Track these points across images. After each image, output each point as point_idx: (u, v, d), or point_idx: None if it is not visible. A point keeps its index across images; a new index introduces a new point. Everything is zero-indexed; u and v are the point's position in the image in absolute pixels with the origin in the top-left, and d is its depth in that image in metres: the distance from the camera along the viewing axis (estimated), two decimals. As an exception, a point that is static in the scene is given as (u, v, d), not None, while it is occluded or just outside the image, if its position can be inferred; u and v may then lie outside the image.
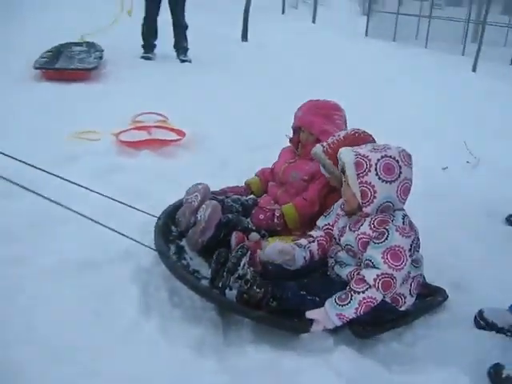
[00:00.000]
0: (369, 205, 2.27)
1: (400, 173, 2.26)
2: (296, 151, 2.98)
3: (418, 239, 2.36)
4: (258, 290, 2.24)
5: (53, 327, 2.18)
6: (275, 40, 9.66)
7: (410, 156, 2.34)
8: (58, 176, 2.65)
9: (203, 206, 2.62)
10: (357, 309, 2.20)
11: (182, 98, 5.62)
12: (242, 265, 2.30)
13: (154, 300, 2.46)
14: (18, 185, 2.41)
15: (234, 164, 4.08)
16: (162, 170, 3.92)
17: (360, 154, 2.27)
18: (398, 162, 2.26)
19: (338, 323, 2.23)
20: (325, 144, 2.61)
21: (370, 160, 2.25)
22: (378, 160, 2.24)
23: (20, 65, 6.12)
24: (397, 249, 2.21)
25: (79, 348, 2.09)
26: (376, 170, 2.24)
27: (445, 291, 2.65)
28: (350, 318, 2.21)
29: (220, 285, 2.29)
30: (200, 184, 2.78)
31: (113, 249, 2.66)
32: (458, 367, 2.18)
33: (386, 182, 2.25)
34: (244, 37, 8.86)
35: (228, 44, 8.36)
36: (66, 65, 6.41)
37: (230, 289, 2.29)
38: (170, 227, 2.74)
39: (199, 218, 2.58)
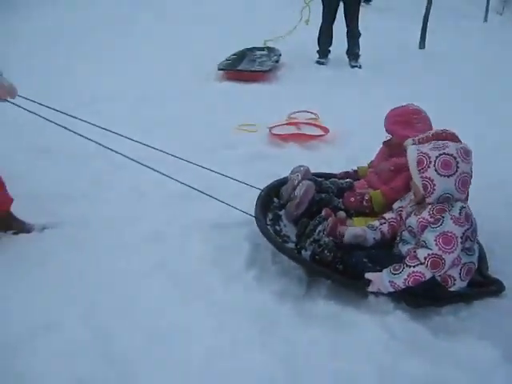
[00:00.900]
0: (429, 196, 2.66)
1: (457, 168, 2.61)
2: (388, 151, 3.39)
3: (474, 230, 2.71)
4: (328, 254, 2.77)
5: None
6: (463, 51, 8.78)
7: (468, 152, 2.66)
8: (198, 165, 3.43)
9: (300, 184, 3.17)
10: (405, 279, 2.60)
11: (340, 100, 6.12)
12: (317, 231, 2.84)
13: (259, 256, 3.11)
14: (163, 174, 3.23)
15: (364, 158, 4.51)
16: (301, 160, 4.49)
17: (422, 152, 2.66)
18: (455, 158, 2.61)
19: (390, 289, 2.65)
20: (415, 139, 2.99)
21: (429, 157, 2.63)
22: (437, 157, 2.61)
23: (209, 67, 7.14)
24: (449, 234, 2.57)
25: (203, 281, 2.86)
26: (435, 165, 2.61)
27: (502, 283, 2.86)
28: (400, 286, 2.62)
29: (298, 246, 2.84)
30: (302, 166, 3.36)
31: (234, 216, 3.34)
32: (501, 350, 2.44)
33: (444, 176, 2.61)
34: (422, 44, 8.89)
35: (403, 51, 8.52)
36: (247, 67, 7.34)
37: (306, 250, 2.83)
38: (273, 199, 3.32)
39: (296, 194, 3.14)
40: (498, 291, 2.85)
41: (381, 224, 2.96)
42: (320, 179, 3.39)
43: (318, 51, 7.85)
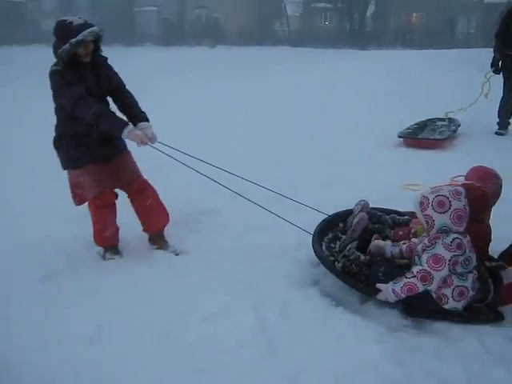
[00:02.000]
0: (430, 230, 3.28)
1: (450, 205, 3.22)
2: None
3: (467, 259, 3.22)
4: (354, 267, 3.54)
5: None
6: None
7: (459, 192, 3.26)
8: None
9: (357, 215, 3.97)
10: (402, 287, 3.21)
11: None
12: (347, 248, 3.65)
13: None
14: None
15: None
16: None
17: (423, 195, 3.32)
18: (447, 198, 3.22)
19: (393, 296, 3.25)
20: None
21: (428, 199, 3.27)
22: (433, 198, 3.25)
23: (387, 135, 8.09)
24: (439, 256, 3.16)
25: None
26: (431, 204, 3.25)
27: (502, 315, 3.25)
28: (399, 293, 3.21)
29: (334, 259, 3.68)
30: (363, 200, 4.14)
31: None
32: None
33: (439, 213, 3.23)
34: None
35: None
36: (426, 135, 8.16)
37: (338, 262, 3.62)
38: (339, 223, 4.11)
39: (352, 222, 3.93)
40: (495, 320, 3.24)
41: (403, 243, 3.63)
42: (380, 213, 4.12)
43: (497, 122, 8.34)
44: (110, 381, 2.79)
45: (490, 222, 3.80)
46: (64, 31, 3.63)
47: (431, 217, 3.26)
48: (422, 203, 3.30)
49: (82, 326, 3.26)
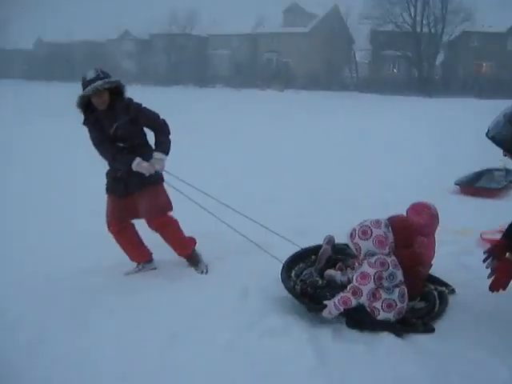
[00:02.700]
0: (359, 255, 3.86)
1: (371, 233, 3.79)
2: None
3: (391, 274, 3.73)
4: (309, 290, 4.11)
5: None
6: None
7: (379, 222, 3.84)
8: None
9: (322, 248, 4.55)
10: (339, 300, 3.72)
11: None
12: (303, 273, 4.34)
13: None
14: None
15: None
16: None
17: (353, 228, 3.89)
18: (369, 227, 3.81)
19: (334, 310, 3.74)
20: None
21: (355, 230, 3.87)
22: (359, 229, 3.85)
23: (447, 182, 8.49)
24: (364, 272, 3.72)
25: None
26: (357, 234, 3.83)
27: (433, 328, 3.76)
28: (338, 306, 3.71)
29: (294, 284, 4.21)
30: (329, 235, 4.66)
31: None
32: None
33: (363, 240, 3.81)
34: None
35: None
36: (483, 184, 8.48)
37: (297, 285, 4.19)
38: (311, 256, 4.66)
39: (319, 254, 4.53)
40: (425, 331, 3.73)
41: (350, 272, 4.13)
42: (345, 246, 4.52)
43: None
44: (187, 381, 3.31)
45: (437, 245, 4.43)
46: (82, 84, 4.37)
47: (358, 244, 3.85)
48: (351, 234, 3.90)
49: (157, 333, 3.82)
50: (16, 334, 3.82)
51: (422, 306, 4.12)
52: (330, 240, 4.63)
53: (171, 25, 60.51)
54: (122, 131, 4.48)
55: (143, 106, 4.65)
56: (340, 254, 4.57)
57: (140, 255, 4.96)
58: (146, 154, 4.54)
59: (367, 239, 3.81)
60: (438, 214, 4.40)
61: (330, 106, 29.86)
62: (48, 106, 25.52)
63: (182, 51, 59.21)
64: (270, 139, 14.62)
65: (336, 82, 46.80)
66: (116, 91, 4.46)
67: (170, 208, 4.78)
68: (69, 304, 4.28)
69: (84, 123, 4.52)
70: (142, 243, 4.98)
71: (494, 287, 3.73)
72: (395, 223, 3.97)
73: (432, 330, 3.77)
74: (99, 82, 4.27)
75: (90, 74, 4.32)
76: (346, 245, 4.47)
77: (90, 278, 4.81)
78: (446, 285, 4.41)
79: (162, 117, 4.70)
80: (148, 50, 64.50)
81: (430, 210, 4.36)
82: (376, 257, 3.75)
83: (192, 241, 5.03)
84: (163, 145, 4.60)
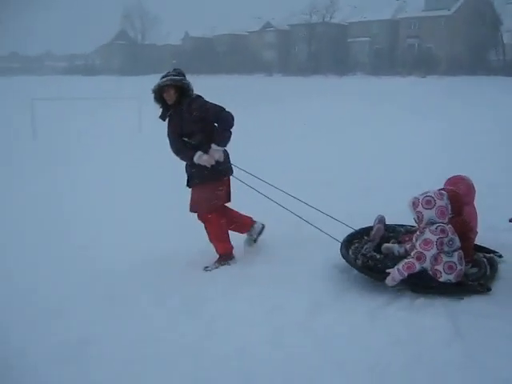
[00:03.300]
0: (421, 223, 4.22)
1: (435, 203, 4.14)
2: None
3: (451, 240, 4.07)
4: (370, 262, 4.39)
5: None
6: None
7: (442, 193, 4.21)
8: None
9: (375, 227, 4.83)
10: (403, 266, 4.05)
11: None
12: (364, 248, 4.58)
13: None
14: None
15: None
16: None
17: (415, 197, 4.24)
18: (433, 197, 4.16)
19: (398, 276, 4.04)
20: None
21: (418, 199, 4.21)
22: (422, 198, 4.18)
23: None
24: (427, 239, 4.06)
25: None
26: (421, 203, 4.17)
27: (489, 288, 4.04)
28: (402, 272, 4.02)
29: (354, 257, 4.54)
30: (379, 215, 4.94)
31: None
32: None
33: (427, 209, 4.15)
34: None
35: None
36: None
37: (358, 259, 4.49)
38: (364, 236, 4.89)
39: (372, 233, 4.81)
40: (482, 291, 4.02)
41: (407, 245, 4.44)
42: (395, 225, 4.95)
43: None
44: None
45: (479, 213, 4.76)
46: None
47: (421, 212, 4.19)
48: (414, 203, 4.24)
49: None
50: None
51: (474, 271, 4.38)
52: (381, 219, 4.93)
53: (311, 14, 60.96)
54: (187, 127, 4.79)
55: (209, 101, 4.86)
56: (391, 232, 4.88)
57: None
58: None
59: (430, 209, 4.16)
60: (473, 184, 4.79)
61: (476, 92, 28.46)
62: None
63: (322, 40, 59.56)
64: (404, 131, 14.39)
65: (481, 66, 44.40)
66: (182, 90, 4.76)
67: (205, 208, 4.92)
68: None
69: (160, 117, 4.91)
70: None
71: None
72: (450, 195, 4.32)
73: (489, 289, 4.06)
74: (164, 80, 4.69)
75: (166, 73, 4.77)
76: (398, 225, 4.99)
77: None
78: (493, 252, 4.67)
79: (228, 110, 4.84)
80: (288, 40, 65.62)
81: (465, 180, 4.79)
82: (437, 224, 4.10)
83: (225, 247, 5.09)
84: (220, 137, 4.78)
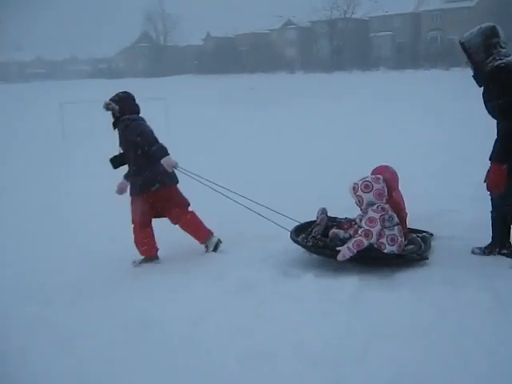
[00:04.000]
0: (362, 205, 4.64)
1: (372, 187, 4.57)
2: None
3: (390, 216, 4.55)
4: (320, 243, 4.75)
5: None
6: None
7: (379, 178, 4.66)
8: None
9: (319, 217, 5.13)
10: (353, 244, 4.44)
11: None
12: (313, 231, 4.93)
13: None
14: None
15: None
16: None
17: (354, 183, 4.65)
18: (370, 182, 4.60)
19: (348, 253, 4.42)
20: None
21: (357, 184, 4.63)
22: (361, 184, 4.60)
23: None
24: (371, 217, 4.50)
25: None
26: (360, 188, 4.59)
27: (427, 257, 4.56)
28: (352, 249, 4.39)
29: (305, 240, 4.88)
30: (322, 207, 5.23)
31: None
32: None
33: (366, 192, 4.58)
34: None
35: None
36: None
37: (308, 242, 4.83)
38: (309, 228, 5.13)
39: (316, 222, 5.11)
40: (419, 259, 4.52)
41: (349, 230, 4.80)
42: (337, 217, 5.29)
43: None
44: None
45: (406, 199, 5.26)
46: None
47: (361, 196, 4.62)
48: (354, 188, 4.66)
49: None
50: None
51: (410, 247, 4.76)
52: (323, 211, 5.26)
53: (332, 10, 60.92)
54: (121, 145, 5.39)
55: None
56: (333, 222, 5.25)
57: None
58: None
59: (368, 192, 4.59)
60: (395, 172, 5.32)
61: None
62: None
63: (344, 36, 59.54)
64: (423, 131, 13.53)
65: (507, 56, 43.80)
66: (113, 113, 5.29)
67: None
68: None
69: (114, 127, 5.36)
70: None
71: (490, 187, 4.37)
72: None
73: (426, 259, 4.58)
74: (103, 104, 5.27)
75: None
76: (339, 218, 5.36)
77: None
78: (425, 231, 5.14)
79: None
80: (310, 37, 65.66)
81: (389, 168, 5.31)
82: (377, 204, 4.57)
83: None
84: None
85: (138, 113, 5.36)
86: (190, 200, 5.42)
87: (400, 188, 5.41)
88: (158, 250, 5.39)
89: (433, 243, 4.96)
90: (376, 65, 53.73)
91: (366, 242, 4.44)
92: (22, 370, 3.47)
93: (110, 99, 5.24)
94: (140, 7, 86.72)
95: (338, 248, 4.52)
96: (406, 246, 4.73)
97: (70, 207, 7.61)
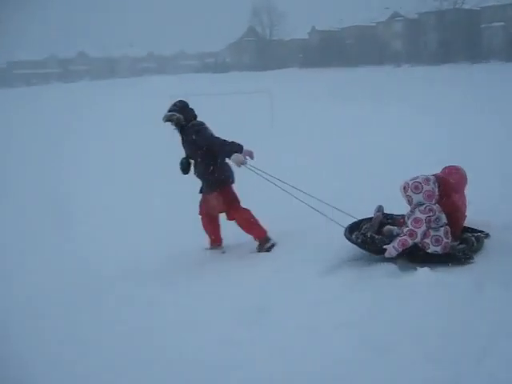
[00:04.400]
0: (410, 205, 4.73)
1: (422, 188, 4.64)
2: None
3: (437, 218, 4.61)
4: (369, 240, 4.93)
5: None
6: None
7: (428, 179, 4.69)
8: None
9: (374, 215, 5.27)
10: (398, 243, 4.61)
11: None
12: (363, 228, 5.14)
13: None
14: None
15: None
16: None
17: (405, 182, 4.74)
18: (420, 183, 4.66)
19: (393, 252, 4.60)
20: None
21: (408, 184, 4.71)
22: (411, 184, 4.68)
23: None
24: (417, 218, 4.60)
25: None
26: (410, 188, 4.67)
27: (472, 257, 4.60)
28: (397, 248, 4.56)
29: (356, 238, 5.07)
30: (379, 205, 5.32)
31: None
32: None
33: (416, 193, 4.65)
34: None
35: None
36: None
37: (358, 239, 5.02)
38: (364, 224, 5.32)
39: (372, 219, 5.27)
40: (463, 262, 4.56)
41: (403, 227, 4.80)
42: (393, 214, 5.35)
43: None
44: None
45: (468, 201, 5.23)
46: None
47: (410, 196, 4.72)
48: (404, 188, 4.76)
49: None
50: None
51: (460, 246, 4.87)
52: (379, 209, 5.37)
53: (441, 1, 58.97)
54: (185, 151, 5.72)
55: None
56: (389, 219, 5.36)
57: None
58: None
59: (418, 193, 4.67)
60: (466, 175, 5.30)
61: None
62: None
63: (453, 27, 57.42)
64: None
65: None
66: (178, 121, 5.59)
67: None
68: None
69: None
70: None
71: None
72: (438, 179, 4.86)
73: (471, 258, 4.62)
74: (163, 117, 5.55)
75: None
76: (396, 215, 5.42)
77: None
78: (481, 231, 5.14)
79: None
80: (417, 29, 63.98)
81: (459, 171, 5.32)
82: (425, 205, 4.65)
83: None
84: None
85: (196, 117, 5.69)
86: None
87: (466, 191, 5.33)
88: (222, 240, 5.89)
89: (487, 242, 4.98)
90: (486, 57, 51.50)
91: (410, 242, 4.59)
92: (163, 342, 3.80)
93: (170, 110, 5.56)
94: (247, 2, 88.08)
95: (384, 246, 4.68)
96: (458, 245, 4.86)
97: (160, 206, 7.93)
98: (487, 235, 5.11)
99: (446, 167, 5.40)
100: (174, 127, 5.62)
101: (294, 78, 44.34)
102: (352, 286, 4.36)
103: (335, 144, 12.13)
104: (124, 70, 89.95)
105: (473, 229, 5.19)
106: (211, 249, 5.86)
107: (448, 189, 4.94)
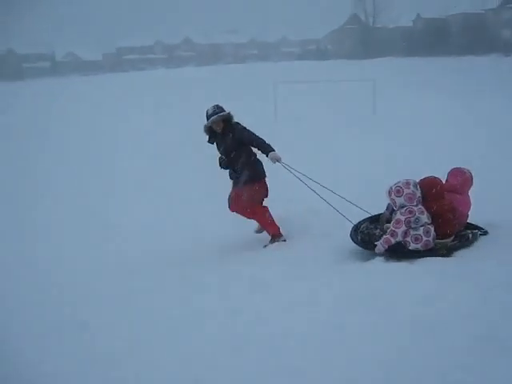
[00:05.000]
0: (395, 207, 5.21)
1: (403, 191, 5.12)
2: None
3: (417, 219, 5.07)
4: (366, 238, 5.51)
5: None
6: None
7: (409, 182, 5.16)
8: None
9: (384, 213, 5.75)
10: (382, 241, 5.17)
11: None
12: (362, 227, 5.69)
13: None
14: None
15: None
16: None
17: (390, 186, 5.23)
18: (401, 187, 5.16)
19: (381, 248, 5.17)
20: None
21: (392, 188, 5.21)
22: (394, 188, 5.18)
23: None
24: (398, 219, 5.14)
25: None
26: (393, 192, 5.18)
27: (452, 252, 5.02)
28: (383, 245, 5.13)
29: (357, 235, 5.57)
30: (389, 203, 5.44)
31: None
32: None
33: (398, 196, 5.16)
34: None
35: None
36: None
37: (358, 236, 5.54)
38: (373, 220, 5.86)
39: (380, 217, 5.79)
40: (446, 255, 4.97)
41: None
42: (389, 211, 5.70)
43: None
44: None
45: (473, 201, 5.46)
46: (206, 116, 6.28)
47: (394, 199, 5.23)
48: (389, 192, 5.25)
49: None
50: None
51: (453, 243, 5.24)
52: (388, 207, 5.70)
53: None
54: (233, 145, 6.26)
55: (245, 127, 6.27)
56: None
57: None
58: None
59: (400, 196, 5.17)
60: (471, 177, 5.50)
61: None
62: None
63: None
64: None
65: None
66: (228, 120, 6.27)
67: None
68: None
69: (209, 141, 6.42)
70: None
71: None
72: (425, 183, 5.26)
73: (447, 255, 5.02)
74: (215, 117, 6.18)
75: (210, 110, 6.22)
76: None
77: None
78: (480, 228, 5.39)
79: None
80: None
81: (465, 174, 5.52)
82: (406, 207, 5.15)
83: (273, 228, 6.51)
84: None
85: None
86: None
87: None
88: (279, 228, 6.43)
89: (482, 238, 5.31)
90: None
91: (392, 240, 5.13)
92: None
93: (216, 113, 6.19)
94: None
95: (375, 243, 5.25)
96: (452, 241, 5.27)
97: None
98: (485, 233, 5.40)
99: (452, 169, 5.61)
100: (218, 129, 6.28)
101: (397, 66, 43.62)
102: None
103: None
104: (227, 56, 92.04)
105: (476, 226, 5.47)
106: (273, 242, 6.37)
107: (442, 190, 5.29)
